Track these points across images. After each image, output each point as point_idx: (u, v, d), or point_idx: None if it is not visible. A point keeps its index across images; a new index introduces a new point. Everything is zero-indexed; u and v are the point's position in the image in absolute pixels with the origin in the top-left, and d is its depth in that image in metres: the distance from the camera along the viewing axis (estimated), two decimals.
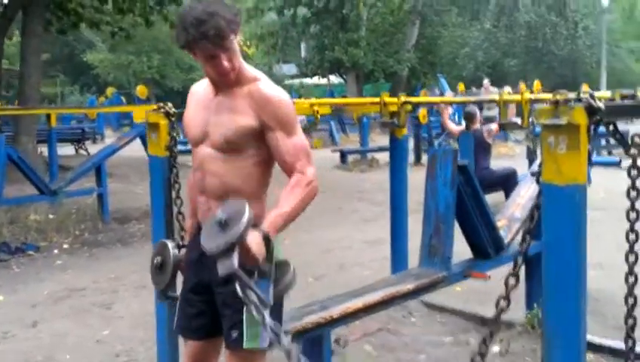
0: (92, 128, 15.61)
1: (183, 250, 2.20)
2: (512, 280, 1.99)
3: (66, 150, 12.60)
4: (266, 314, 1.72)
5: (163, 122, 2.66)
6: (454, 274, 3.34)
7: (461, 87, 17.97)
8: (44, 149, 9.14)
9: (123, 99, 20.71)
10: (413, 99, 3.80)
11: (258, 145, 1.98)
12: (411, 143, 11.70)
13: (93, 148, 12.33)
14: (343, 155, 11.92)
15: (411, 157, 11.46)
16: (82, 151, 13.45)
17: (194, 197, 2.16)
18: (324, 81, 26.22)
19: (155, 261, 2.19)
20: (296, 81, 28.90)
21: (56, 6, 9.89)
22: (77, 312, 4.26)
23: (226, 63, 1.91)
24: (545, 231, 1.95)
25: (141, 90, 16.56)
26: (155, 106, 2.65)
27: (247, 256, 1.79)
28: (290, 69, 30.24)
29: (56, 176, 7.35)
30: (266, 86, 1.99)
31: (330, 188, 9.60)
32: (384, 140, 16.34)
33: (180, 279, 2.20)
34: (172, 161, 2.68)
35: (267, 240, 1.84)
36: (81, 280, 4.95)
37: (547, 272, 1.95)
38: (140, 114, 2.71)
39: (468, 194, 3.37)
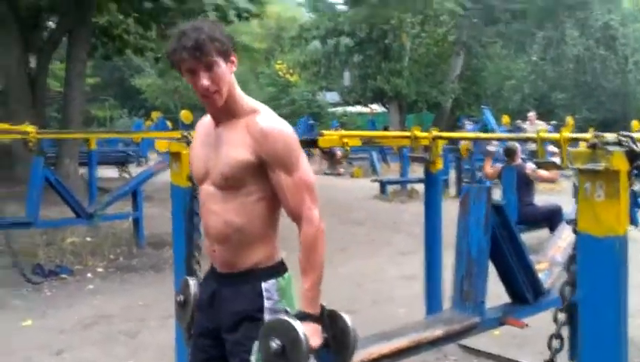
0: (136, 151, 15.92)
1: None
2: (555, 343, 1.81)
3: (110, 172, 12.84)
4: None
5: (185, 151, 2.61)
6: (489, 320, 3.16)
7: (505, 119, 17.62)
8: (87, 171, 9.32)
9: (169, 123, 21.08)
10: (445, 134, 3.67)
11: (260, 181, 1.86)
12: (453, 175, 11.51)
13: (136, 171, 12.53)
14: (383, 185, 11.78)
15: (452, 190, 11.24)
16: (125, 174, 13.69)
17: None
18: (368, 109, 26.26)
19: (178, 299, 2.13)
20: (340, 109, 29.01)
21: (101, 32, 10.20)
22: (104, 340, 4.23)
23: (205, 81, 1.81)
24: (581, 285, 1.80)
25: (185, 115, 16.81)
26: (178, 135, 2.61)
27: (314, 351, 1.78)
28: (333, 96, 30.41)
29: (95, 199, 7.46)
30: (264, 118, 1.86)
31: (368, 218, 9.48)
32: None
33: None
34: (194, 191, 2.62)
35: (319, 318, 1.81)
36: (111, 306, 4.94)
37: (584, 328, 1.80)
38: (163, 143, 2.70)
39: (504, 237, 3.20)
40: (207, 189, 1.92)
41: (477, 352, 3.98)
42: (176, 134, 2.83)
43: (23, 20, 9.29)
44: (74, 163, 8.65)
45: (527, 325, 3.13)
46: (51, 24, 10.03)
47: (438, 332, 2.84)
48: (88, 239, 6.77)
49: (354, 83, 24.15)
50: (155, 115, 21.60)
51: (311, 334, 1.76)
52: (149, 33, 10.80)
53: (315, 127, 18.99)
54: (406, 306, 4.93)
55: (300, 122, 18.04)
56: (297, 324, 1.74)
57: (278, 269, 1.93)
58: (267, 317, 1.86)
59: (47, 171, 5.95)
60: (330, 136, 3.67)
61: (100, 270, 6.02)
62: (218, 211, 1.88)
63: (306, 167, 1.88)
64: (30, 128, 5.82)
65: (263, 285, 1.89)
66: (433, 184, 4.35)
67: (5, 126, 6.06)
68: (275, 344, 1.72)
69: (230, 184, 1.86)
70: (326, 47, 22.63)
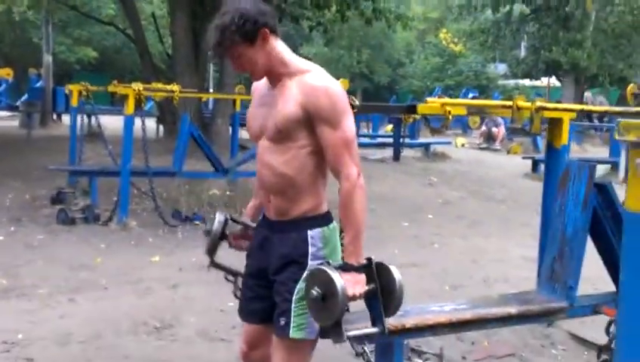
0: None
1: (236, 226, 2.33)
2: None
3: None
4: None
5: None
6: (580, 307, 2.92)
7: None
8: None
9: None
10: (551, 105, 3.36)
11: (311, 135, 1.98)
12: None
13: None
14: (535, 163, 11.08)
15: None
16: None
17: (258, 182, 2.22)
18: (542, 82, 24.51)
19: (204, 229, 2.42)
20: (512, 82, 27.50)
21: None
22: (212, 281, 4.54)
23: (235, 66, 2.07)
24: (623, 270, 1.60)
25: (343, 83, 17.12)
26: None
27: (355, 300, 1.91)
28: (504, 68, 28.89)
29: (235, 157, 7.93)
30: (313, 76, 1.98)
31: (510, 197, 9.00)
32: (593, 150, 14.73)
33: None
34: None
35: (361, 269, 1.92)
36: (228, 252, 5.29)
37: (621, 320, 1.61)
38: None
39: (607, 218, 2.92)
40: (262, 144, 2.07)
41: (590, 345, 3.64)
42: None
43: None
44: (226, 123, 9.25)
45: None
46: None
47: (510, 310, 2.67)
48: (228, 193, 7.23)
49: (525, 54, 22.70)
50: None
51: (351, 284, 1.88)
52: (305, 2, 11.08)
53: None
54: (520, 288, 4.64)
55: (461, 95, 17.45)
56: (335, 274, 1.84)
57: (323, 219, 2.06)
58: (310, 262, 2.00)
59: (192, 127, 6.45)
60: (431, 104, 3.56)
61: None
62: (272, 164, 2.03)
63: (349, 125, 1.97)
64: (175, 87, 6.39)
65: (309, 233, 2.03)
66: (554, 159, 4.02)
67: (159, 85, 6.69)
68: (315, 291, 1.86)
69: (282, 137, 1.98)
70: (497, 16, 21.37)
